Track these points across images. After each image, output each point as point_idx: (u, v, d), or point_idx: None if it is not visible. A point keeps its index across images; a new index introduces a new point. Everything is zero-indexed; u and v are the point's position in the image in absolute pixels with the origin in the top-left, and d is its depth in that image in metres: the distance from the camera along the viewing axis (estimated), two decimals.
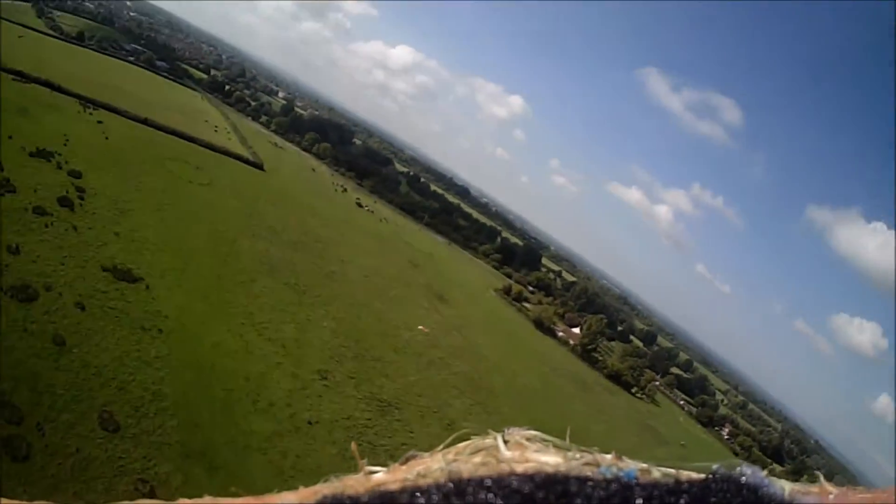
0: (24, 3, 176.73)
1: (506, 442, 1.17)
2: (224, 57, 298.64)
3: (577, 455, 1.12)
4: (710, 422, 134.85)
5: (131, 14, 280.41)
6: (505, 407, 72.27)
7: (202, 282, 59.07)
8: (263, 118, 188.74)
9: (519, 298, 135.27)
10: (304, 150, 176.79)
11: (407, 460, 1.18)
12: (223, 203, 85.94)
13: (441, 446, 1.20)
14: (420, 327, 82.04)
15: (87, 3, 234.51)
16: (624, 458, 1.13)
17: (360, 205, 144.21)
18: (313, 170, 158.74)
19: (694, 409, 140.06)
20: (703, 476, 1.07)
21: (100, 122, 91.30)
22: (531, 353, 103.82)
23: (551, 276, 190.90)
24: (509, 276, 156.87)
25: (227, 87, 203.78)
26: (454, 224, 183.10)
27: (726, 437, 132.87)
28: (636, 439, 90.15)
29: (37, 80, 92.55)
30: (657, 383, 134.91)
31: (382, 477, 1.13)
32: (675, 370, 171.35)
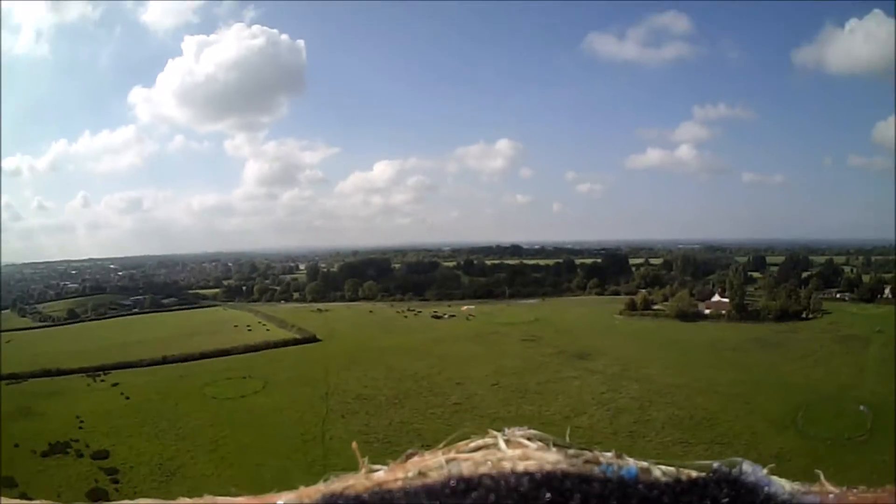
0: (4, 311, 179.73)
1: (506, 441, 1.22)
2: (230, 265, 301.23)
3: (578, 453, 1.16)
4: (872, 295, 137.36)
5: (119, 273, 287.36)
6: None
7: None
8: (295, 294, 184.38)
9: (647, 306, 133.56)
10: (351, 300, 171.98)
11: (407, 459, 1.23)
12: (290, 400, 73.00)
13: (441, 445, 1.25)
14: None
15: (69, 284, 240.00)
16: (624, 455, 1.17)
17: (437, 316, 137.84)
18: (371, 311, 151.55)
19: (846, 295, 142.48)
20: (703, 474, 1.12)
21: (115, 384, 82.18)
22: (709, 349, 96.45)
23: (646, 269, 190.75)
24: (617, 294, 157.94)
25: (244, 288, 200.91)
26: (532, 280, 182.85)
27: (891, 296, 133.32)
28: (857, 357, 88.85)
29: (32, 375, 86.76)
30: (820, 295, 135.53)
31: (383, 476, 1.17)
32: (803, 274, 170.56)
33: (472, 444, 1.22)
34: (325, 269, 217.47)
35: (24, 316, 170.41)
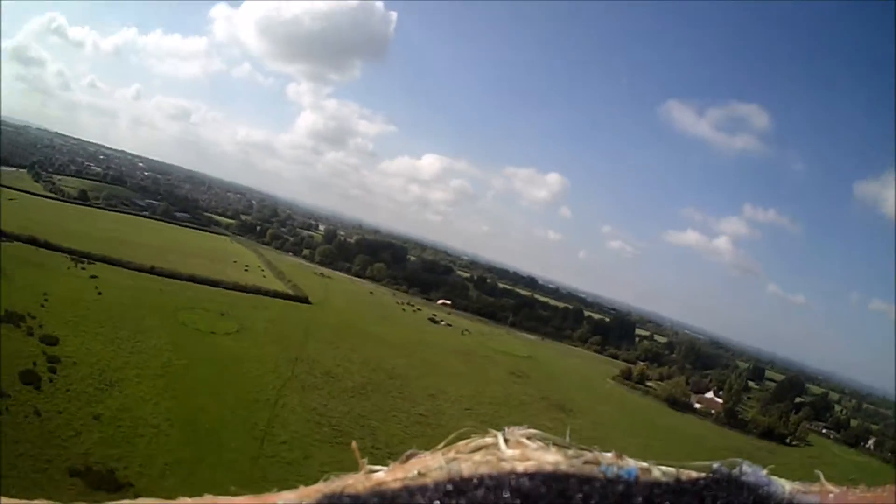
0: (20, 170, 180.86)
1: (506, 441, 1.23)
2: (254, 202, 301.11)
3: (578, 453, 1.17)
4: (856, 440, 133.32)
5: (146, 174, 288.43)
6: None
7: (229, 476, 41.83)
8: (305, 251, 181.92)
9: (641, 380, 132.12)
10: (357, 275, 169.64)
11: (407, 459, 1.23)
12: (258, 353, 70.57)
13: (441, 445, 1.26)
14: None
15: (93, 167, 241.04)
16: (624, 456, 1.18)
17: (434, 321, 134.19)
18: (371, 293, 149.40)
19: (832, 433, 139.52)
20: (703, 475, 1.14)
21: (94, 276, 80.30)
22: (691, 444, 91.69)
23: (650, 343, 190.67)
24: (615, 357, 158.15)
25: (258, 228, 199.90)
26: (538, 316, 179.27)
27: (873, 448, 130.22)
28: None
29: (19, 238, 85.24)
30: (808, 425, 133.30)
31: (383, 476, 1.17)
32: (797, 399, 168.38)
33: (472, 444, 1.23)
34: (342, 238, 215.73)
35: (37, 181, 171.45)
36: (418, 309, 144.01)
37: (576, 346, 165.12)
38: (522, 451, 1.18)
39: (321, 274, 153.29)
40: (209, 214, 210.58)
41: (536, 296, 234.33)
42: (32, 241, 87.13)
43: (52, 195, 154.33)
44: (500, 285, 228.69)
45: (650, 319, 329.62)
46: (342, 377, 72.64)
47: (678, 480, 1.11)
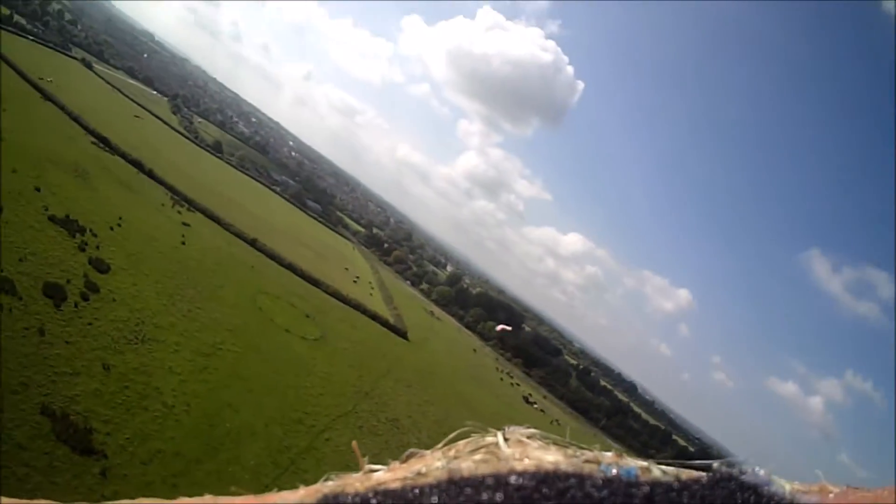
0: (162, 96, 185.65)
1: (506, 440, 1.26)
2: (391, 220, 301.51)
3: (578, 453, 1.20)
4: None
5: (293, 153, 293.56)
6: None
7: (221, 490, 33.37)
8: (424, 285, 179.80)
9: None
10: (467, 326, 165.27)
11: (407, 458, 1.27)
12: (327, 370, 61.40)
13: (441, 444, 1.30)
14: None
15: (240, 125, 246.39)
16: (625, 455, 1.22)
17: (528, 401, 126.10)
18: (474, 350, 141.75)
19: None
20: (703, 474, 1.16)
21: (186, 224, 75.04)
22: None
23: None
24: None
25: (386, 245, 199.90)
26: (628, 427, 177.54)
27: None
28: None
29: (125, 156, 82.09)
30: None
31: (383, 475, 1.21)
32: None
33: (473, 444, 1.26)
34: (465, 285, 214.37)
35: (174, 113, 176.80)
36: (517, 383, 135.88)
37: None
38: (522, 451, 1.19)
39: (431, 313, 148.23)
40: (341, 214, 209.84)
41: (632, 404, 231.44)
42: (136, 164, 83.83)
43: (184, 132, 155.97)
44: (602, 383, 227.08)
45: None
46: (407, 430, 61.89)
47: (678, 480, 1.12)
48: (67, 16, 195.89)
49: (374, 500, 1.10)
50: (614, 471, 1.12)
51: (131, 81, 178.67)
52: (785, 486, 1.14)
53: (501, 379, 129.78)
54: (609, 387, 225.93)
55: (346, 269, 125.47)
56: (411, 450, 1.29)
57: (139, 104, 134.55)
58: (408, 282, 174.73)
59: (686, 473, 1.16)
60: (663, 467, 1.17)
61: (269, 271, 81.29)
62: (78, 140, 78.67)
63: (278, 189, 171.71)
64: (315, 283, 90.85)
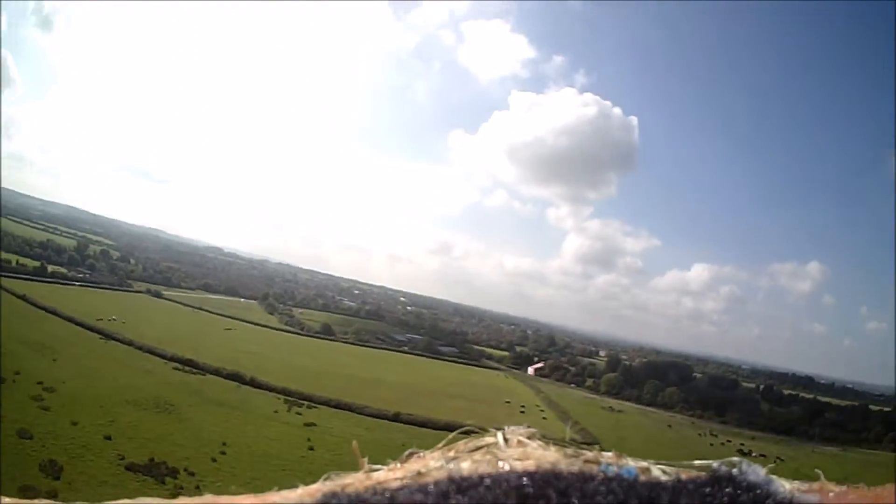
0: (250, 301, 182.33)
1: (506, 440, 1.30)
2: (529, 333, 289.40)
3: (577, 453, 1.24)
4: None
5: (408, 308, 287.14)
6: None
7: None
8: (589, 381, 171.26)
9: None
10: (648, 403, 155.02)
11: (407, 458, 1.31)
12: None
13: (441, 444, 1.34)
14: None
15: (345, 301, 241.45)
16: (624, 456, 1.24)
17: (743, 452, 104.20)
18: (669, 426, 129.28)
19: None
20: (703, 474, 1.16)
21: (310, 424, 67.52)
22: None
23: None
24: None
25: (535, 359, 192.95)
26: (832, 422, 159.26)
27: None
28: None
29: (218, 372, 78.59)
30: None
31: (383, 475, 1.23)
32: None
33: (472, 444, 1.30)
34: (626, 362, 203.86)
35: (271, 313, 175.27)
36: (728, 440, 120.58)
37: (873, 448, 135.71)
38: (522, 451, 1.22)
39: (610, 408, 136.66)
40: (480, 347, 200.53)
41: (819, 397, 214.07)
42: (234, 377, 79.89)
43: (289, 328, 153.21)
44: (784, 392, 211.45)
45: None
46: None
47: (678, 480, 1.12)
48: (115, 254, 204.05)
49: (373, 500, 1.09)
50: (614, 470, 1.13)
51: (212, 297, 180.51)
52: (785, 486, 1.13)
53: (711, 444, 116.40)
54: (793, 392, 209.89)
55: (508, 401, 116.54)
56: (411, 450, 1.32)
57: (228, 316, 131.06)
58: (572, 385, 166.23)
59: (686, 473, 1.16)
60: (663, 467, 1.18)
61: (425, 440, 69.19)
62: (156, 371, 76.40)
63: (406, 348, 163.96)
64: (468, 432, 77.79)
